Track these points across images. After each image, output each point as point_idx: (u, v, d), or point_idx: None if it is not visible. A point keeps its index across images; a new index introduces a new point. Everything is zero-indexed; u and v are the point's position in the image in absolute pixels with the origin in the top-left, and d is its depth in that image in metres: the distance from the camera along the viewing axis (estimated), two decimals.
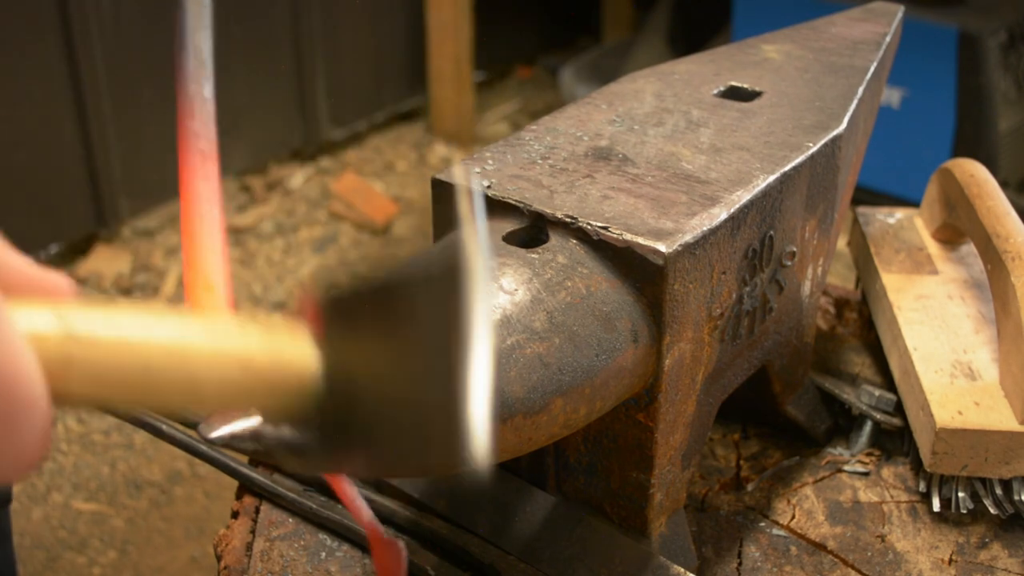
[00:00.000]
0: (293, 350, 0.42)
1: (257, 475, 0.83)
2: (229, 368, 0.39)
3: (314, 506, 0.80)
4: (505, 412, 0.57)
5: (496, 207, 0.69)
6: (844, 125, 0.80)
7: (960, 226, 0.96)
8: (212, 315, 0.41)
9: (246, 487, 0.84)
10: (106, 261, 2.72)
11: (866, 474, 0.87)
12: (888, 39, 0.97)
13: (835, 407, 0.93)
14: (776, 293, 0.78)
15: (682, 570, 0.71)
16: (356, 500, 0.48)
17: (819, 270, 0.85)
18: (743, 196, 0.69)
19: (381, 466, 0.46)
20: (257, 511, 0.82)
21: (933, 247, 1.02)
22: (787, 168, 0.73)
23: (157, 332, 0.38)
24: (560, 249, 0.65)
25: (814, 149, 0.76)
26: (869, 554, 0.79)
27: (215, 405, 0.41)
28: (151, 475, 2.07)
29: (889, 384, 0.93)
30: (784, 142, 0.77)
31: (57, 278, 0.41)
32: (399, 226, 3.05)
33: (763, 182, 0.71)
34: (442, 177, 0.71)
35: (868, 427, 0.90)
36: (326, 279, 0.43)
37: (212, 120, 0.56)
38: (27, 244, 2.78)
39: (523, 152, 0.75)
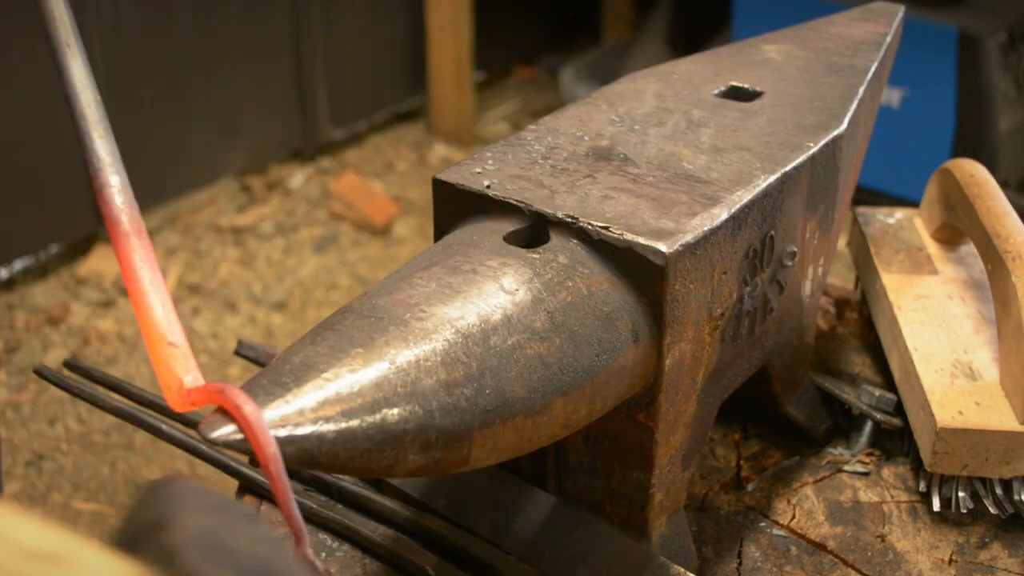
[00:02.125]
0: None
1: (257, 475, 0.83)
2: None
3: (314, 506, 0.80)
4: (506, 412, 0.57)
5: (497, 207, 0.69)
6: (845, 125, 0.80)
7: (960, 226, 0.96)
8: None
9: (246, 487, 0.84)
10: (106, 261, 2.71)
11: (866, 474, 0.87)
12: (888, 39, 0.97)
13: (835, 407, 0.93)
14: (777, 293, 0.78)
15: (682, 570, 0.71)
16: (286, 497, 0.48)
17: (820, 270, 0.85)
18: (744, 196, 0.69)
19: None
20: (257, 511, 0.82)
21: (933, 247, 1.02)
22: (788, 168, 0.73)
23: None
24: (561, 249, 0.65)
25: (815, 149, 0.76)
26: (869, 554, 0.79)
27: None
28: (151, 475, 2.07)
29: (889, 384, 0.93)
30: (785, 142, 0.77)
31: None
32: (399, 226, 3.05)
33: (764, 182, 0.71)
34: (442, 177, 0.71)
35: (868, 427, 0.90)
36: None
37: (127, 192, 0.58)
38: (27, 244, 2.77)
39: (524, 152, 0.75)
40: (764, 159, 0.74)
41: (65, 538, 0.35)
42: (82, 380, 1.02)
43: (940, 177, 1.01)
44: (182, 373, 0.52)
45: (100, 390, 1.00)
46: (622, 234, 0.64)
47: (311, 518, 0.80)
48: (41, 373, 1.04)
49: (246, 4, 2.98)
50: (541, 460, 0.75)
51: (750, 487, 0.86)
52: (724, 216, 0.67)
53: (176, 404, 0.52)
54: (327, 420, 0.51)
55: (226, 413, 0.49)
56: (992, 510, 0.81)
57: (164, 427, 0.90)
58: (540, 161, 0.74)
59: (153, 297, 0.55)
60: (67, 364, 1.06)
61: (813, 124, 0.80)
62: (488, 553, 0.75)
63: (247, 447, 0.49)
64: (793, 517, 0.83)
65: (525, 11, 3.89)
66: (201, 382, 0.52)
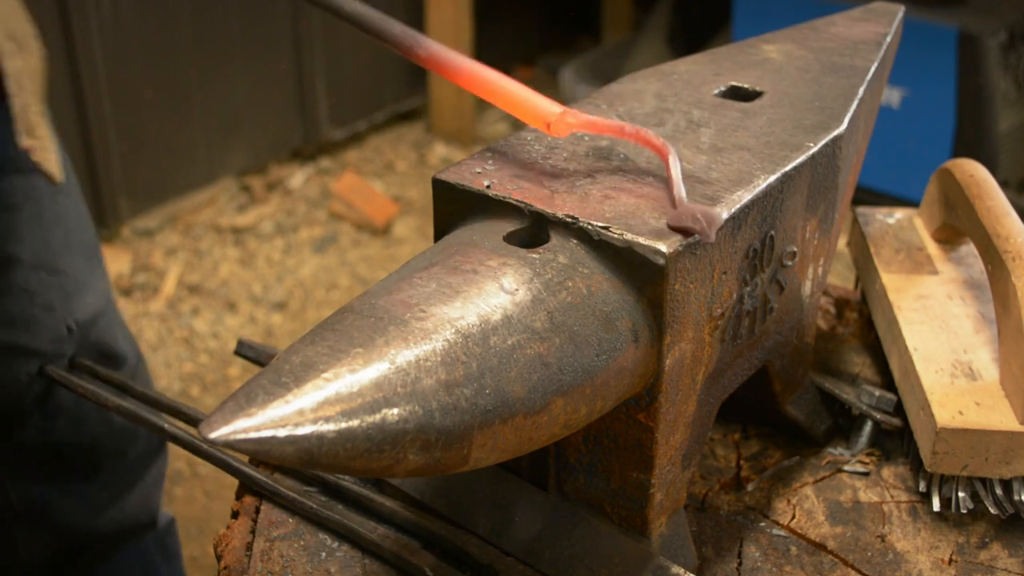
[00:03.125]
0: None
1: (258, 474, 0.83)
2: None
3: (314, 506, 0.80)
4: (506, 412, 0.57)
5: (497, 207, 0.69)
6: (845, 125, 0.80)
7: (960, 226, 0.96)
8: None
9: (246, 486, 0.84)
10: (106, 261, 2.72)
11: (866, 474, 0.87)
12: (888, 39, 0.97)
13: (835, 407, 0.93)
14: (777, 293, 0.78)
15: (682, 570, 0.71)
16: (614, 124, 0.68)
17: (820, 270, 0.85)
18: (744, 196, 0.69)
19: None
20: (257, 511, 0.82)
21: (933, 247, 1.02)
22: (788, 168, 0.73)
23: None
24: (561, 249, 0.65)
25: (815, 149, 0.76)
26: (869, 554, 0.79)
27: None
28: None
29: (889, 384, 0.93)
30: (785, 142, 0.77)
31: None
32: (399, 226, 3.05)
33: (764, 182, 0.71)
34: (442, 177, 0.71)
35: (868, 427, 0.90)
36: None
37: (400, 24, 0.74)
38: None
39: (524, 152, 0.75)
40: (764, 159, 0.74)
41: None
42: (86, 380, 1.02)
43: (940, 177, 1.01)
44: (549, 107, 0.72)
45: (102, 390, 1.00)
46: (622, 234, 0.64)
47: (311, 518, 0.80)
48: (47, 373, 1.04)
49: (246, 4, 2.98)
50: (541, 460, 0.75)
51: (750, 487, 0.86)
52: (724, 216, 0.67)
53: (557, 131, 0.72)
54: (327, 420, 0.51)
55: None
56: (992, 510, 0.81)
57: (166, 426, 0.90)
58: (540, 161, 0.74)
59: (483, 71, 0.72)
60: (72, 364, 1.06)
61: (813, 124, 0.80)
62: (487, 554, 0.75)
63: (245, 446, 0.49)
64: (793, 517, 0.83)
65: (525, 11, 3.89)
66: (559, 109, 0.71)
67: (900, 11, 1.03)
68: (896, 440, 0.91)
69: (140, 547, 1.27)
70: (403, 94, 3.57)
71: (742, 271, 0.72)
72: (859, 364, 0.99)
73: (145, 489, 1.25)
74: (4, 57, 0.86)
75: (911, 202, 1.14)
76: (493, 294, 0.60)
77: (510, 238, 0.66)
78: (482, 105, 3.69)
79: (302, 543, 0.78)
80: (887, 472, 0.88)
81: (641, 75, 0.90)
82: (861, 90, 0.86)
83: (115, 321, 1.20)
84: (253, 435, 0.49)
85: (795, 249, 0.78)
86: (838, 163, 0.80)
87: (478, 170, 0.72)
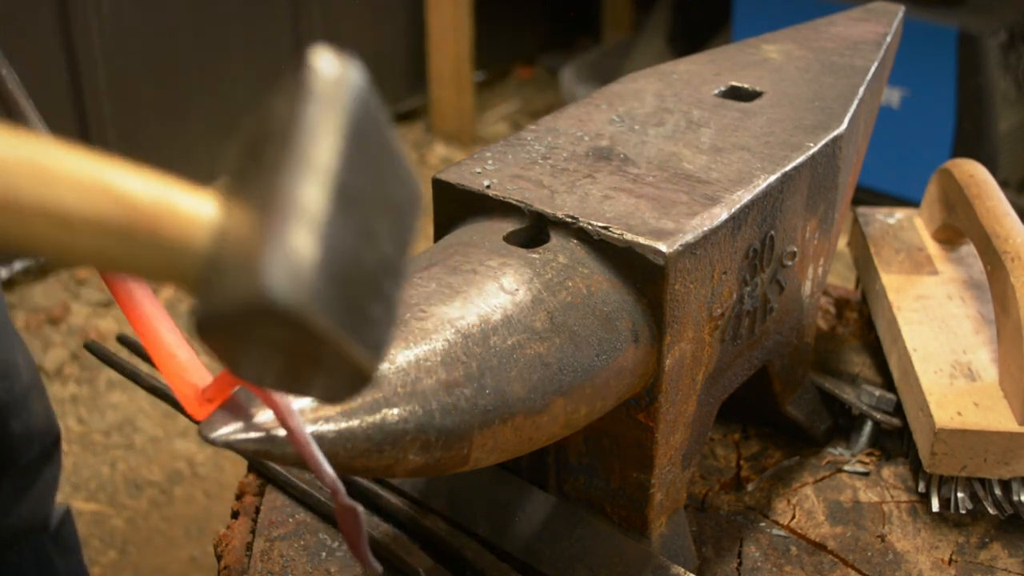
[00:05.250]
0: (184, 198, 0.36)
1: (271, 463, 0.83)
2: (103, 200, 0.34)
3: (322, 498, 0.80)
4: (506, 412, 0.57)
5: (497, 207, 0.69)
6: (845, 125, 0.80)
7: (960, 226, 0.96)
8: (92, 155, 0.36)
9: (260, 473, 0.84)
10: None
11: (866, 474, 0.87)
12: (888, 39, 0.97)
13: (835, 407, 0.93)
14: (777, 293, 0.78)
15: (682, 570, 0.71)
16: (313, 453, 0.46)
17: (819, 270, 0.85)
18: (744, 196, 0.69)
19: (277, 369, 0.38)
20: (257, 511, 0.82)
21: (933, 247, 1.02)
22: (788, 168, 0.73)
23: (19, 150, 0.33)
24: (561, 249, 0.65)
25: (815, 149, 0.76)
26: (869, 554, 0.79)
27: (86, 245, 0.35)
28: (151, 475, 2.07)
29: (889, 384, 0.93)
30: (785, 142, 0.77)
31: None
32: None
33: (764, 182, 0.71)
34: (442, 177, 0.71)
35: (868, 427, 0.90)
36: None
37: None
38: None
39: (524, 152, 0.75)
40: (764, 159, 0.74)
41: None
42: (127, 356, 1.03)
43: (940, 177, 1.01)
44: (195, 380, 0.51)
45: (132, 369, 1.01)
46: (622, 234, 0.64)
47: (317, 510, 0.80)
48: (91, 349, 1.05)
49: (246, 4, 2.98)
50: (541, 460, 0.75)
51: (750, 487, 0.86)
52: (724, 216, 0.67)
53: (196, 411, 0.51)
54: (327, 420, 0.51)
55: (236, 407, 0.49)
56: (991, 511, 0.81)
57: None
58: (540, 161, 0.74)
59: (158, 320, 0.54)
60: (120, 339, 1.07)
61: (813, 124, 0.80)
62: (483, 559, 0.75)
63: (245, 446, 0.49)
64: (793, 517, 0.83)
65: (525, 11, 3.89)
66: (210, 378, 0.51)
67: (900, 11, 1.03)
68: (896, 440, 0.91)
69: (34, 546, 1.21)
70: (403, 94, 3.56)
71: (742, 271, 0.72)
72: (859, 364, 0.99)
73: (37, 496, 1.19)
74: None
75: (911, 202, 1.14)
76: (493, 294, 0.60)
77: (510, 238, 0.66)
78: (482, 105, 3.68)
79: (302, 543, 0.78)
80: (887, 472, 0.88)
81: (641, 75, 0.90)
82: (861, 90, 0.86)
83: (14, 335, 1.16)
84: (253, 435, 0.49)
85: (795, 249, 0.78)
86: (838, 163, 0.80)
87: (478, 170, 0.72)
